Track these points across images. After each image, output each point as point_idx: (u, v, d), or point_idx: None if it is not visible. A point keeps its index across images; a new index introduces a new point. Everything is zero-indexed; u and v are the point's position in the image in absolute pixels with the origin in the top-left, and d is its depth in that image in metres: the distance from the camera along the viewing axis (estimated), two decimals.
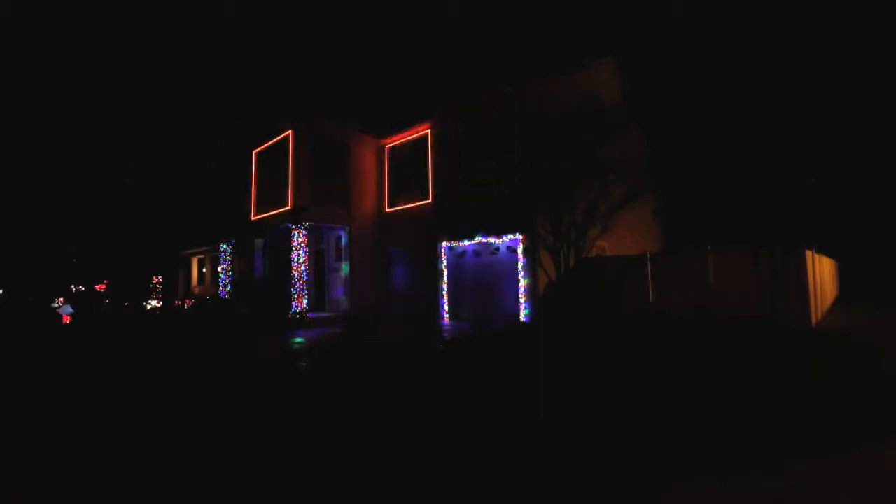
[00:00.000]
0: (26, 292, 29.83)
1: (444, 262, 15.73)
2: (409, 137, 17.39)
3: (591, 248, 12.98)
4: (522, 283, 13.37)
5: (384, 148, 18.34)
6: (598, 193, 12.08)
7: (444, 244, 15.71)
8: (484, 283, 15.06)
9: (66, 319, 17.29)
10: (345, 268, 17.65)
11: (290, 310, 15.78)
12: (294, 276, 15.91)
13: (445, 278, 15.68)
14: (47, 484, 3.63)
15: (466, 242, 15.20)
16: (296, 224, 16.02)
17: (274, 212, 17.38)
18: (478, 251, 15.26)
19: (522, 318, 13.29)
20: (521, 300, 13.40)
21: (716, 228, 17.04)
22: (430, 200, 16.35)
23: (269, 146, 18.33)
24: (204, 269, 26.80)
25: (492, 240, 14.41)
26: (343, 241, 17.95)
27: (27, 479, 3.72)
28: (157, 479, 3.65)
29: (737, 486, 3.24)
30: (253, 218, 18.86)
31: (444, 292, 15.68)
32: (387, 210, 18.05)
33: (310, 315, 16.12)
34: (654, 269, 12.05)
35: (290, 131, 16.60)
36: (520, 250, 13.49)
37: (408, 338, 11.66)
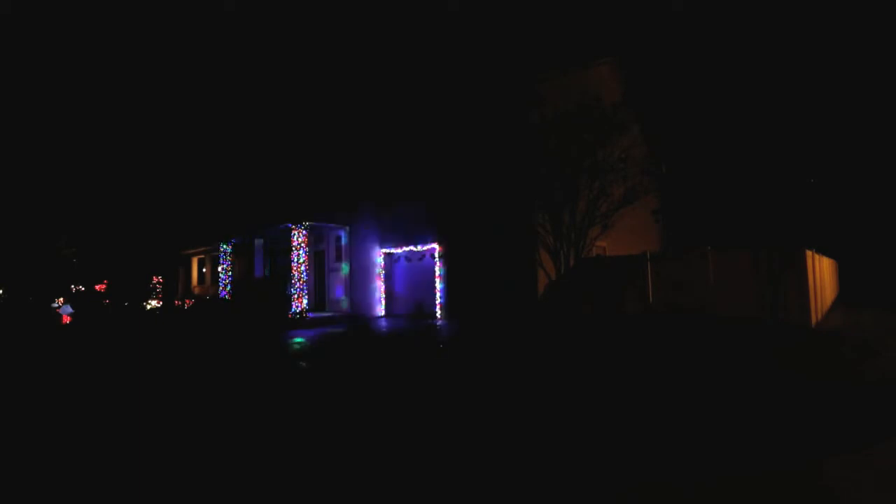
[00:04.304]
0: (26, 292, 29.81)
1: (443, 261, 15.74)
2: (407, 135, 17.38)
3: (591, 248, 12.97)
4: (521, 283, 13.37)
5: (384, 147, 18.32)
6: (598, 193, 12.08)
7: (444, 244, 15.71)
8: (484, 283, 15.06)
9: (66, 319, 17.29)
10: (345, 268, 17.65)
11: (290, 310, 15.78)
12: (294, 276, 15.91)
13: (445, 278, 15.68)
14: (47, 484, 3.63)
15: (465, 242, 15.20)
16: (296, 224, 16.02)
17: (274, 211, 17.38)
18: (478, 251, 15.26)
19: (526, 318, 13.29)
20: (521, 300, 13.40)
21: (716, 228, 17.04)
22: (429, 200, 16.34)
23: (268, 147, 18.34)
24: (204, 269, 26.79)
25: (492, 240, 14.41)
26: (343, 241, 17.95)
27: (27, 479, 3.71)
28: (158, 477, 3.65)
29: (736, 486, 3.24)
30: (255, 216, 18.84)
31: (444, 292, 15.68)
32: (387, 209, 18.04)
33: (310, 315, 16.12)
34: (654, 269, 12.05)
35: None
36: (519, 252, 13.47)
37: (407, 338, 11.66)
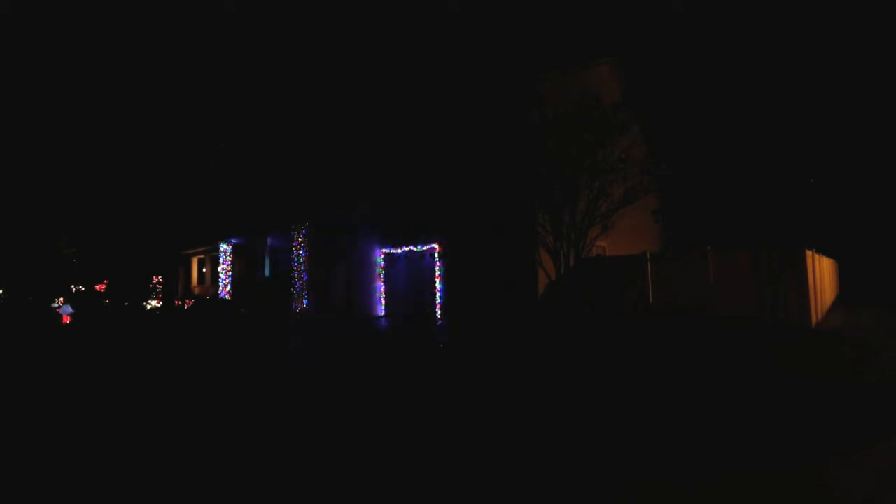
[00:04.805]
0: (26, 292, 29.81)
1: (443, 261, 15.74)
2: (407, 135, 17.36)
3: (591, 248, 12.96)
4: (521, 283, 13.36)
5: (385, 147, 18.31)
6: (598, 193, 12.07)
7: (444, 244, 15.71)
8: (484, 283, 15.04)
9: (66, 319, 17.29)
10: (344, 268, 17.66)
11: (290, 310, 15.79)
12: (294, 276, 15.91)
13: (445, 278, 15.67)
14: (47, 484, 3.63)
15: (464, 243, 15.19)
16: (296, 224, 16.03)
17: (274, 211, 17.39)
18: (478, 251, 15.24)
19: (526, 318, 13.28)
20: (520, 300, 13.40)
21: (716, 228, 17.02)
22: (430, 201, 16.34)
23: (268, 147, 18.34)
24: (204, 269, 26.80)
25: (492, 240, 14.40)
26: (343, 241, 17.95)
27: (27, 480, 3.71)
28: (158, 476, 3.65)
29: (736, 486, 3.24)
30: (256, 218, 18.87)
31: (444, 292, 15.68)
32: (387, 209, 18.03)
33: (310, 315, 16.13)
34: (654, 269, 12.05)
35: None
36: (515, 251, 13.48)
37: (407, 337, 11.65)
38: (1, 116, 32.58)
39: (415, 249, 16.89)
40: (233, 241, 20.77)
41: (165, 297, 27.58)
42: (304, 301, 15.90)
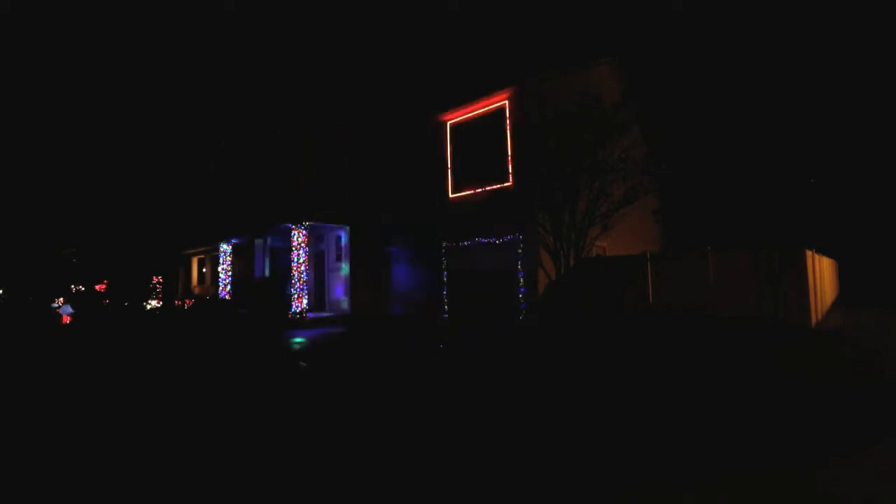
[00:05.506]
0: (26, 292, 29.82)
1: (445, 262, 15.72)
2: (408, 138, 17.37)
3: (591, 248, 12.95)
4: (521, 283, 13.37)
5: (385, 148, 18.31)
6: (598, 193, 12.07)
7: (445, 244, 15.70)
8: (484, 283, 15.04)
9: (66, 319, 17.29)
10: (345, 268, 17.65)
11: (290, 310, 15.78)
12: (294, 276, 15.91)
13: (445, 278, 15.66)
14: (48, 484, 3.63)
15: (467, 243, 15.19)
16: (296, 224, 16.02)
17: (274, 211, 17.38)
18: (478, 251, 15.23)
19: (522, 318, 13.29)
20: (521, 301, 13.40)
21: (716, 228, 17.03)
22: (430, 201, 16.33)
23: (267, 147, 18.34)
24: (204, 269, 26.80)
25: (492, 240, 14.41)
26: (343, 241, 17.94)
27: (28, 479, 3.71)
28: (158, 477, 3.65)
29: (736, 486, 3.24)
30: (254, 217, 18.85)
31: (445, 293, 15.67)
32: (388, 210, 18.02)
33: (310, 315, 16.12)
34: (654, 269, 12.04)
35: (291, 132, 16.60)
36: (519, 251, 13.49)
37: (407, 337, 11.65)
38: (2, 117, 32.60)
39: (417, 249, 16.89)
40: (233, 241, 20.76)
41: (165, 297, 27.58)
42: (304, 301, 15.89)
